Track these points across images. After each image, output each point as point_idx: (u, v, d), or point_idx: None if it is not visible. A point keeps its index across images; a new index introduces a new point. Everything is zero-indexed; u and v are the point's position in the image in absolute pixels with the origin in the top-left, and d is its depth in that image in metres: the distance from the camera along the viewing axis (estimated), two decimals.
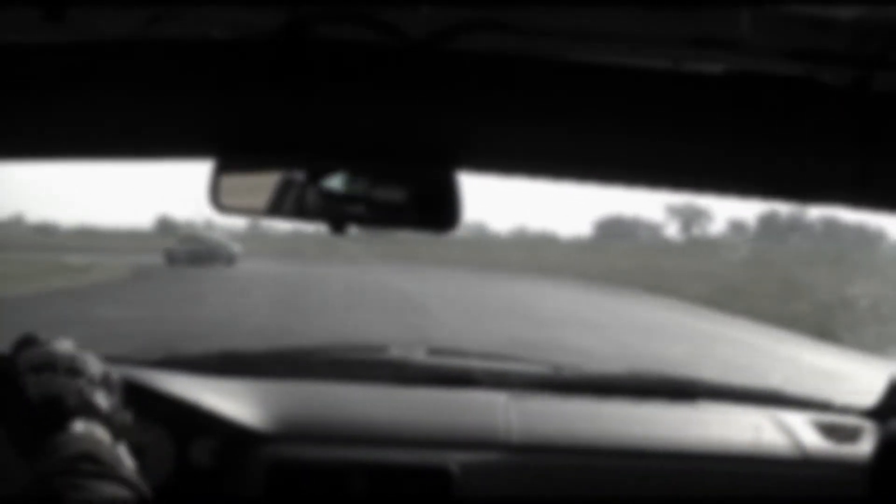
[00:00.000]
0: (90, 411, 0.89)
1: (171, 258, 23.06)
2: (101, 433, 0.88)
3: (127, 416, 0.98)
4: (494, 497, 1.45)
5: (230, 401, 1.57)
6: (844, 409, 1.74)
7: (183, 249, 23.64)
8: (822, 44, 0.75)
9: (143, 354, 1.88)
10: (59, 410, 0.87)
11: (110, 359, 1.79)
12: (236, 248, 24.37)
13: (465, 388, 1.77)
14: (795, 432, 1.58)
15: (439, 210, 0.96)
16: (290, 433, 1.52)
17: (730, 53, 0.78)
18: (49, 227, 45.43)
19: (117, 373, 1.04)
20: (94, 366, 0.93)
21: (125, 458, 0.92)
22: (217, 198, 1.02)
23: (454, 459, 1.47)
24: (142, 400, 1.51)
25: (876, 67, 0.77)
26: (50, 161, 0.85)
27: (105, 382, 0.94)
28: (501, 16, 0.76)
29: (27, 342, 0.96)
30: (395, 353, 2.02)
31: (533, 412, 1.64)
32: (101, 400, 0.91)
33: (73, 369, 0.90)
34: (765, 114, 0.79)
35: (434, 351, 2.17)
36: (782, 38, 0.75)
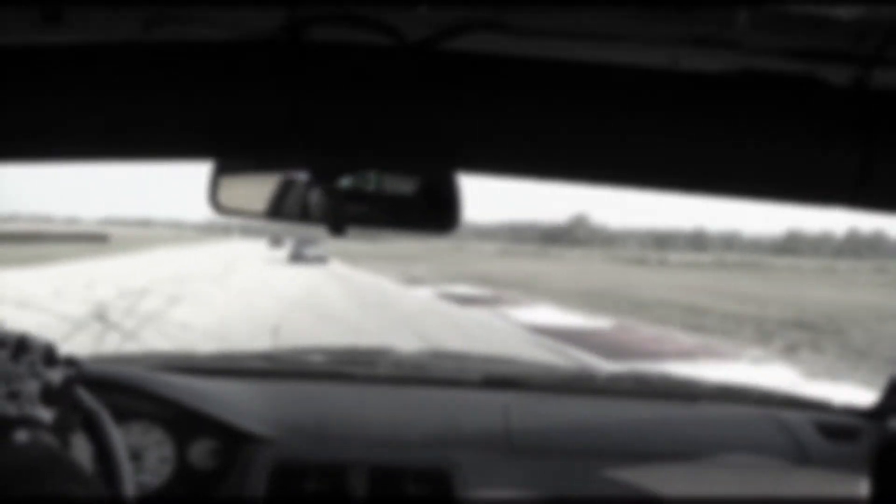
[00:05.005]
0: (31, 423, 0.97)
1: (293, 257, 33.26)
2: (48, 440, 0.97)
3: (75, 420, 1.08)
4: (494, 497, 1.45)
5: (230, 403, 1.57)
6: (844, 409, 1.74)
7: (292, 251, 33.74)
8: (821, 42, 0.75)
9: (143, 357, 1.88)
10: (3, 428, 0.95)
11: (111, 360, 1.80)
12: (323, 250, 33.67)
13: (465, 388, 1.77)
14: (795, 432, 1.58)
15: (439, 211, 0.96)
16: (291, 434, 1.52)
17: (728, 52, 0.77)
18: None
19: (107, 372, 1.09)
20: (30, 385, 1.00)
21: (82, 455, 1.05)
22: (216, 199, 1.02)
23: (454, 460, 1.48)
24: (142, 402, 1.51)
25: (875, 66, 0.77)
26: (48, 163, 0.85)
27: (46, 395, 1.01)
28: (500, 16, 0.76)
29: None
30: (396, 354, 2.02)
31: (533, 412, 1.64)
32: (42, 413, 0.99)
33: (11, 393, 0.98)
34: (764, 113, 0.79)
35: (434, 353, 2.17)
36: (781, 37, 0.75)
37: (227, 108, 0.79)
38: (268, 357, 1.92)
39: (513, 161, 0.83)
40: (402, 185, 0.96)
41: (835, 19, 0.71)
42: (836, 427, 1.61)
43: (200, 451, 1.52)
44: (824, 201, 0.83)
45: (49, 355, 1.04)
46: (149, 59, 0.78)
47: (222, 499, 1.48)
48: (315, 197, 0.97)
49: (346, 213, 0.96)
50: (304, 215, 0.98)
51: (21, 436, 0.94)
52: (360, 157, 0.87)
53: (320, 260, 31.87)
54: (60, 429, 1.01)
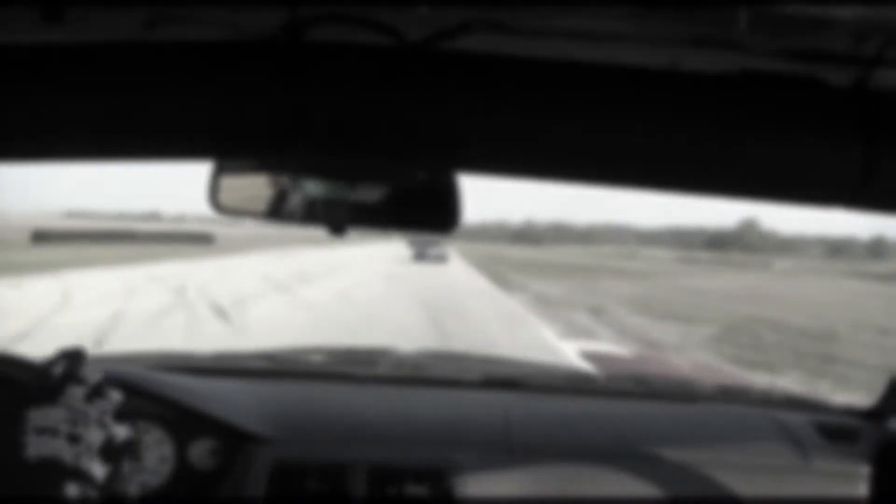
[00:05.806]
0: (84, 479, 0.92)
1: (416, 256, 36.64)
2: (96, 500, 0.92)
3: (124, 485, 1.01)
4: (494, 497, 1.45)
5: (230, 402, 1.57)
6: (843, 410, 1.74)
7: (415, 251, 37.13)
8: (822, 43, 0.75)
9: (143, 356, 1.88)
10: (55, 474, 0.90)
11: (111, 359, 1.80)
12: (444, 251, 37.13)
13: (465, 388, 1.77)
14: (795, 433, 1.58)
15: (439, 211, 0.97)
16: (291, 434, 1.52)
17: (729, 53, 0.78)
18: None
19: (118, 381, 1.05)
20: (95, 434, 0.95)
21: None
22: (216, 199, 1.03)
23: (454, 460, 1.47)
24: (142, 402, 1.51)
25: (876, 66, 0.77)
26: (48, 162, 0.85)
27: (105, 451, 0.96)
28: (500, 16, 0.76)
29: (73, 357, 0.98)
30: (396, 354, 2.02)
31: (533, 413, 1.63)
32: (97, 469, 0.94)
33: (73, 435, 0.93)
34: (764, 114, 0.79)
35: (434, 353, 2.18)
36: (781, 37, 0.75)
37: (227, 108, 0.78)
38: (268, 357, 1.91)
39: (513, 161, 0.83)
40: (402, 186, 0.96)
41: (835, 20, 0.71)
42: (836, 428, 1.61)
43: (200, 451, 1.51)
44: (825, 202, 0.83)
45: (121, 410, 0.99)
46: (149, 59, 0.78)
47: (222, 499, 1.48)
48: (316, 197, 0.97)
49: (346, 214, 0.97)
50: (304, 215, 0.98)
51: (72, 490, 0.90)
52: (360, 158, 0.87)
53: (440, 259, 35.69)
54: (105, 489, 0.95)
